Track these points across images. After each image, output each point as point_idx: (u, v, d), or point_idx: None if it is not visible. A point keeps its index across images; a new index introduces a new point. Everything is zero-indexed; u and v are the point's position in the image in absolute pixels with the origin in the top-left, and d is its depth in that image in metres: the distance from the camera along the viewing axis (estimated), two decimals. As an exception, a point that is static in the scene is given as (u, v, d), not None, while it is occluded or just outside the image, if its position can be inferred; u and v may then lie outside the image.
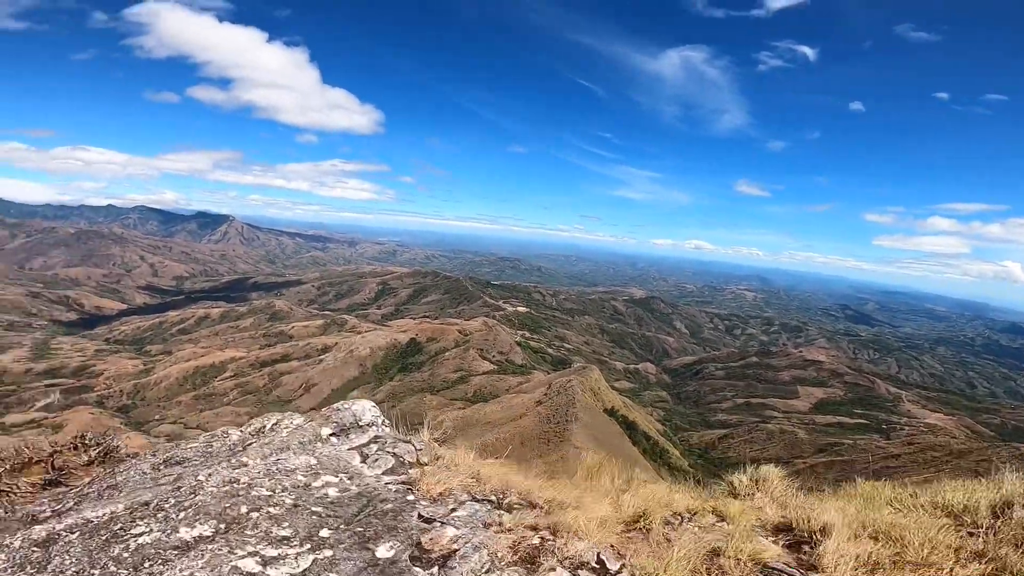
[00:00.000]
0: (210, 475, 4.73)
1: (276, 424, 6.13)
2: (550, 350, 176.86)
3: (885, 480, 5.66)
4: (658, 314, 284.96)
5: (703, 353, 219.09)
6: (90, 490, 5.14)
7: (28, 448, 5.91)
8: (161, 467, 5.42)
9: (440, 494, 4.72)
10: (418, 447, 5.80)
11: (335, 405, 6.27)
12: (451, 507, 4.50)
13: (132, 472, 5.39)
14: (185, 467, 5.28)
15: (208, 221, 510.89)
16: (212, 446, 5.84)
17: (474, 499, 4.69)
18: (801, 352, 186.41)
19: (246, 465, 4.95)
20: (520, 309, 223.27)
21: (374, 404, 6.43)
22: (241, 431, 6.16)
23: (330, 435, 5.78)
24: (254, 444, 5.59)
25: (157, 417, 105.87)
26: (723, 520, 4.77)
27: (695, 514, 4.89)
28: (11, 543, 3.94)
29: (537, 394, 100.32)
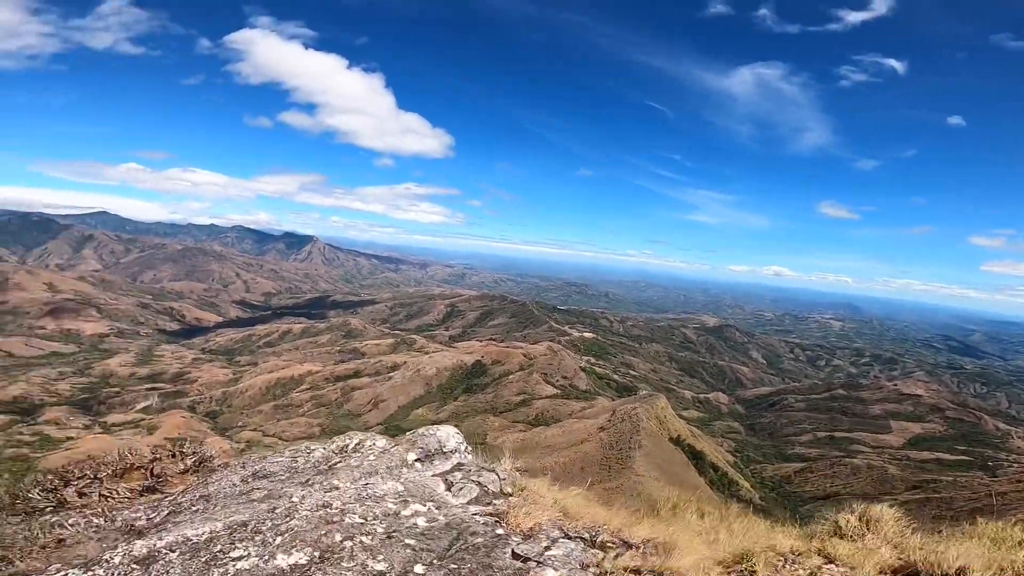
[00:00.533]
0: (304, 497, 4.74)
1: (359, 444, 6.23)
2: (616, 377, 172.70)
3: (991, 518, 5.14)
4: (732, 343, 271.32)
5: (782, 384, 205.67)
6: (183, 499, 5.35)
7: (131, 454, 6.23)
8: (250, 480, 5.62)
9: (530, 529, 4.55)
10: (502, 476, 5.71)
11: (420, 430, 6.28)
12: (544, 544, 4.31)
13: (223, 483, 5.61)
14: (272, 481, 5.44)
15: (294, 241, 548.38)
16: (297, 461, 6.00)
17: (566, 536, 4.49)
18: (896, 385, 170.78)
19: (337, 488, 4.97)
20: (586, 335, 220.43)
21: (458, 431, 6.42)
22: (324, 448, 6.28)
23: (415, 460, 5.79)
24: (340, 465, 5.67)
25: (240, 424, 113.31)
26: (831, 563, 4.35)
27: (799, 555, 4.50)
28: (111, 558, 3.92)
29: (600, 420, 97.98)
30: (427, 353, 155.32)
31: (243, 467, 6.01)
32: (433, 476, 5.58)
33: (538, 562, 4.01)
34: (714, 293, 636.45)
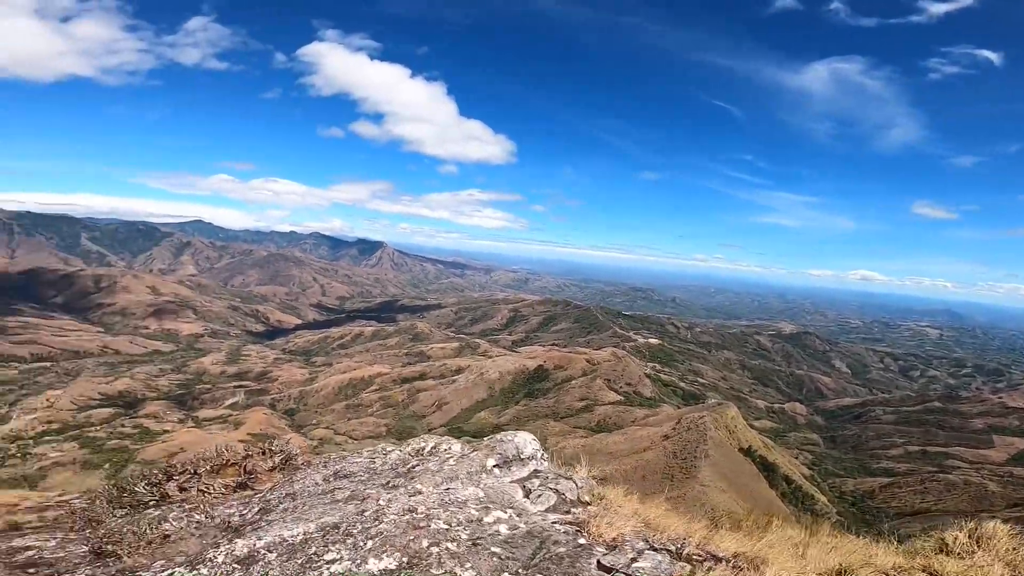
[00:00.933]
0: (390, 501, 4.81)
1: (434, 448, 6.31)
2: (682, 384, 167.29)
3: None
4: (812, 351, 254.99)
5: (868, 395, 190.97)
6: (271, 496, 5.60)
7: (227, 451, 6.54)
8: (332, 479, 5.84)
9: (613, 539, 4.40)
10: (579, 484, 5.60)
11: (498, 436, 6.27)
12: (630, 556, 4.13)
13: (307, 482, 5.85)
14: (353, 482, 5.64)
15: (366, 247, 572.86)
16: (375, 462, 6.20)
17: (652, 548, 4.30)
18: (1001, 398, 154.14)
19: (421, 493, 5.00)
20: (652, 341, 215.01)
21: (534, 437, 6.35)
22: (400, 450, 6.45)
23: (494, 466, 5.76)
24: (419, 468, 5.73)
25: (314, 422, 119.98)
26: (937, 581, 4.14)
27: (902, 572, 4.29)
28: (215, 557, 4.09)
29: (665, 428, 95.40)
30: (490, 357, 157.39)
31: (324, 466, 6.27)
32: (511, 483, 5.55)
33: (626, 574, 3.90)
34: (792, 299, 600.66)
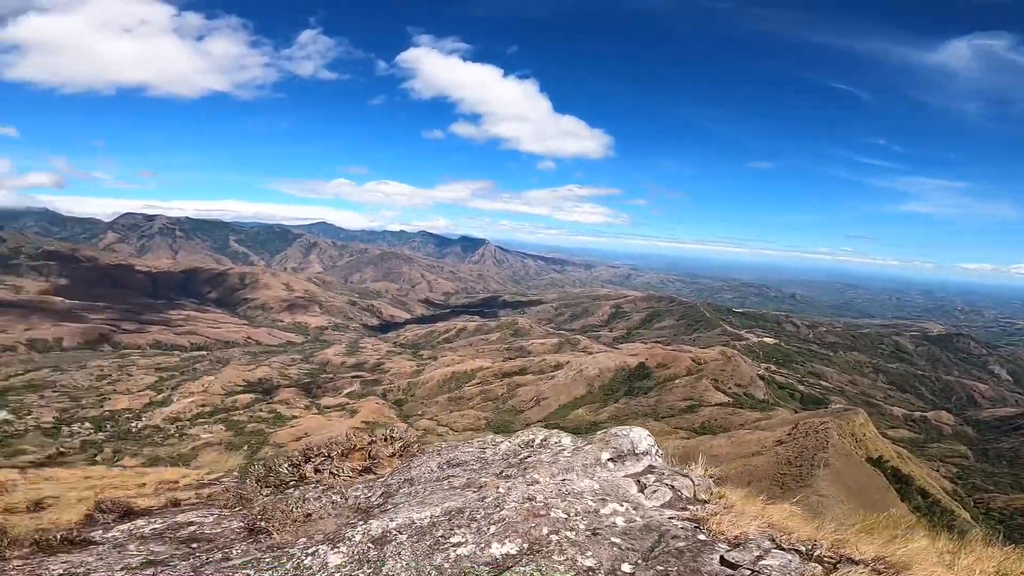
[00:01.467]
0: (509, 489, 4.99)
1: (544, 441, 6.46)
2: (801, 387, 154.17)
3: None
4: (964, 355, 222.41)
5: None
6: (392, 481, 5.93)
7: (355, 436, 7.05)
8: (445, 467, 6.14)
9: (736, 537, 4.34)
10: (696, 482, 5.57)
11: (612, 430, 6.31)
12: (756, 553, 4.03)
13: (423, 469, 6.16)
14: (466, 470, 5.93)
15: (469, 245, 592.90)
16: (485, 453, 6.47)
17: (779, 547, 4.16)
18: None
19: (538, 483, 5.14)
20: (767, 340, 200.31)
21: (649, 433, 6.39)
22: (510, 442, 6.67)
23: (608, 460, 5.82)
24: (532, 459, 5.86)
25: (419, 412, 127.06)
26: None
27: None
28: (352, 536, 4.37)
29: (778, 433, 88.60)
30: (590, 353, 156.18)
31: (439, 454, 6.59)
32: (625, 477, 5.61)
33: (752, 570, 3.82)
34: (940, 296, 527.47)
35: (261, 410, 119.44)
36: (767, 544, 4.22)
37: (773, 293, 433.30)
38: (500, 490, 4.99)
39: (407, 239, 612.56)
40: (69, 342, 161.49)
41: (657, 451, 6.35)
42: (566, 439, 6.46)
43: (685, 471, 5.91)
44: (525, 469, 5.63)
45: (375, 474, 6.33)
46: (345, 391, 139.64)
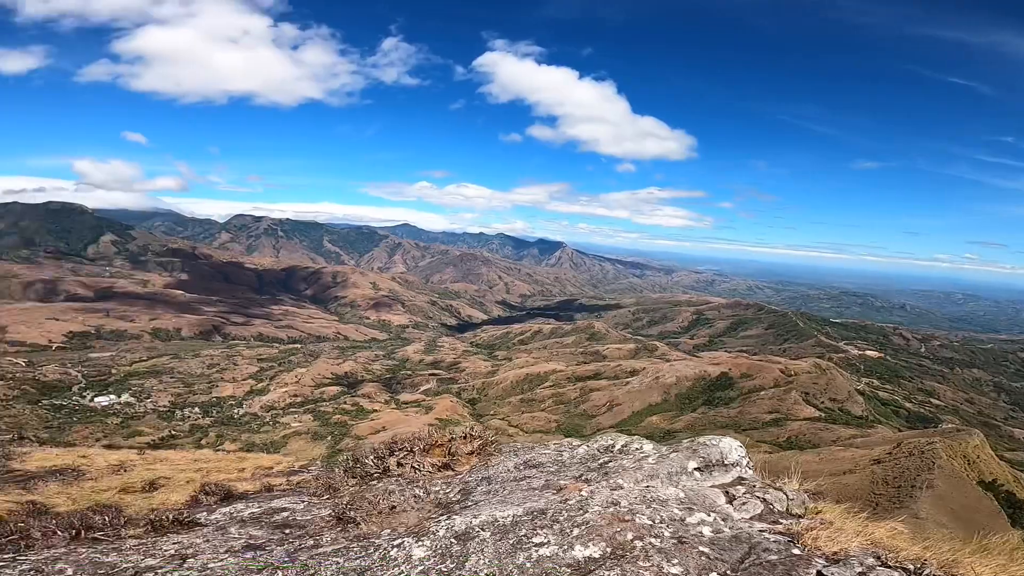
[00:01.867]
0: (593, 493, 4.98)
1: (625, 447, 6.40)
2: (908, 404, 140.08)
3: None
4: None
5: None
6: (470, 479, 6.06)
7: (436, 433, 7.21)
8: (522, 467, 6.20)
9: (835, 553, 4.11)
10: (790, 496, 5.35)
11: (701, 439, 6.15)
12: (858, 570, 3.81)
13: (500, 468, 6.24)
14: (543, 471, 5.97)
15: (546, 247, 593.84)
16: (562, 455, 6.50)
17: (884, 565, 3.93)
18: None
19: (622, 488, 5.08)
20: (869, 353, 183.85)
21: (740, 444, 6.25)
22: (588, 446, 6.66)
23: (694, 469, 5.71)
24: (613, 465, 5.85)
25: (492, 412, 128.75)
26: None
27: None
28: (436, 530, 4.49)
29: (877, 451, 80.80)
30: (668, 361, 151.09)
31: (516, 455, 6.66)
32: (712, 487, 5.47)
33: None
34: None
35: (345, 402, 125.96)
36: (870, 561, 3.95)
37: (879, 303, 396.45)
38: (583, 493, 4.98)
39: (486, 241, 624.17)
40: (187, 332, 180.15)
41: (748, 463, 6.13)
42: (648, 446, 6.39)
43: (778, 484, 5.65)
44: (606, 474, 5.61)
45: (453, 471, 6.48)
46: (422, 388, 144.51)
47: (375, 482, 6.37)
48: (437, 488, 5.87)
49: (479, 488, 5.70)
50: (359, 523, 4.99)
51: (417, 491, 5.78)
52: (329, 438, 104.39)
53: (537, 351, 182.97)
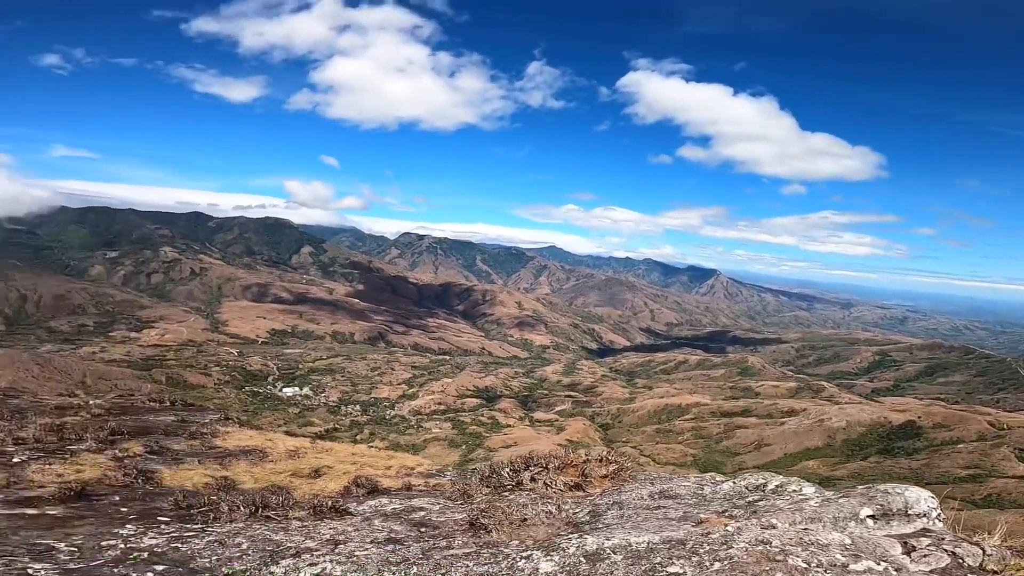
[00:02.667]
0: (739, 529, 4.76)
1: (780, 487, 6.11)
2: None
3: None
4: None
5: None
6: (600, 501, 6.05)
7: (572, 454, 7.36)
8: (657, 496, 6.08)
9: None
10: (988, 551, 4.80)
11: (881, 486, 5.73)
12: None
13: (633, 495, 6.18)
14: (679, 503, 5.83)
15: (697, 275, 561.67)
16: (703, 489, 6.31)
17: None
18: None
19: (775, 528, 4.83)
20: None
21: (932, 495, 5.76)
22: (734, 483, 6.40)
23: (867, 516, 5.29)
24: (763, 504, 5.57)
25: (623, 439, 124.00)
26: None
27: None
28: (566, 547, 4.49)
29: None
30: (837, 403, 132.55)
31: (652, 483, 6.57)
32: (886, 536, 5.00)
33: None
34: None
35: (482, 415, 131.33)
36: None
37: None
38: (728, 528, 4.75)
39: (632, 266, 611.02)
40: (358, 337, 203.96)
41: (938, 515, 5.51)
42: (808, 488, 5.93)
43: (975, 539, 5.03)
44: (756, 512, 5.30)
45: (584, 492, 6.53)
46: (556, 408, 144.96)
47: (508, 493, 6.67)
48: (568, 507, 5.91)
49: (610, 512, 5.65)
50: (490, 530, 5.17)
51: (549, 507, 5.86)
52: (463, 447, 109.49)
53: (680, 382, 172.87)
